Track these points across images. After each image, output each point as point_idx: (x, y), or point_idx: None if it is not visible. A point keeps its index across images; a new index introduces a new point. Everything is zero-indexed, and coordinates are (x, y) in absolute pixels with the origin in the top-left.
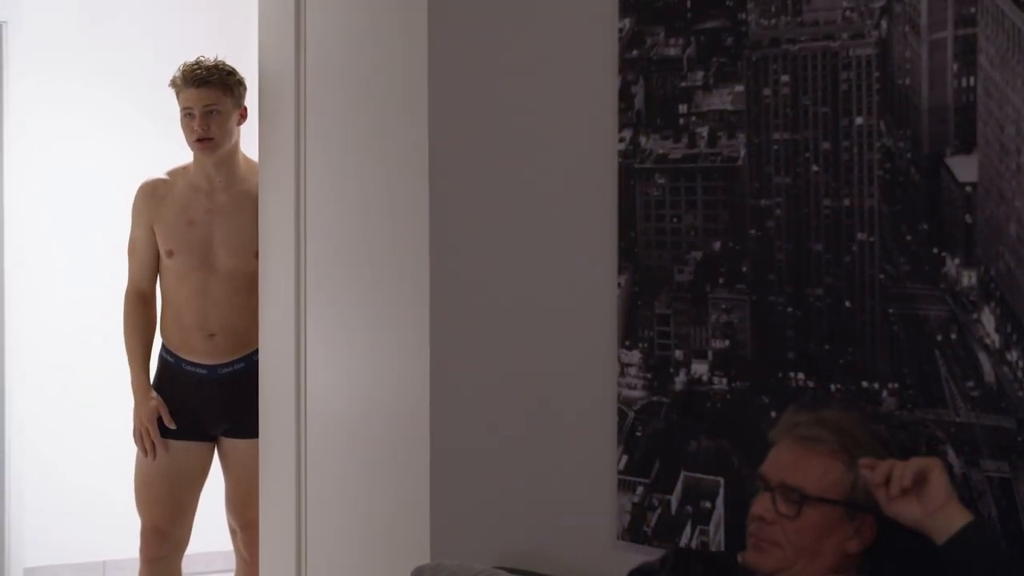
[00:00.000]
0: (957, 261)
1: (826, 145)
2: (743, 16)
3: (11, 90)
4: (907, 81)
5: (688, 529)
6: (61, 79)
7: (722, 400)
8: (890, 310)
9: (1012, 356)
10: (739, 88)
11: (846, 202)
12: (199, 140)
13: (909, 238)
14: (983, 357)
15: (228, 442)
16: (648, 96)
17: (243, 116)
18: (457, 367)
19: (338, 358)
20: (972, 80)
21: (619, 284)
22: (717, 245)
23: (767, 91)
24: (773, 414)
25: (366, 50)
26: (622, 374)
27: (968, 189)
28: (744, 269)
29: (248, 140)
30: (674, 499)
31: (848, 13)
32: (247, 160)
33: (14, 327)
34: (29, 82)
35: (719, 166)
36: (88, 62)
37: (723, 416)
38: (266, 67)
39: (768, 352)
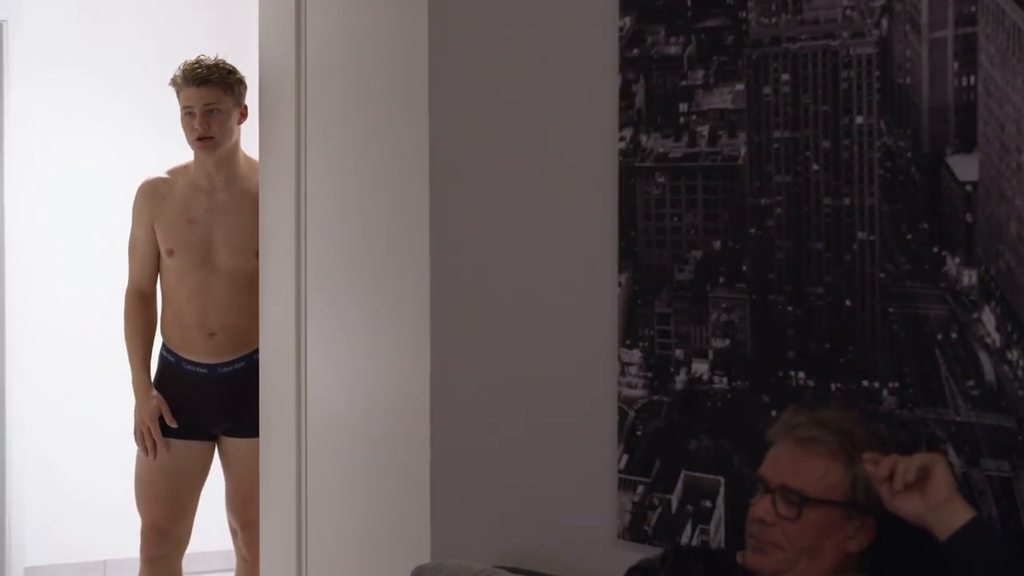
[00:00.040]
0: (957, 260)
1: (826, 144)
2: (743, 15)
3: (11, 90)
4: (907, 80)
5: (688, 528)
6: (61, 79)
7: (722, 399)
8: (890, 309)
9: (1012, 355)
10: (739, 87)
11: (846, 201)
12: (199, 139)
13: (909, 237)
14: (983, 356)
15: (228, 441)
16: (649, 95)
17: (243, 115)
18: (457, 367)
19: (338, 358)
20: (972, 79)
21: (619, 283)
22: (717, 244)
23: (767, 90)
24: (773, 413)
25: (366, 50)
26: (622, 373)
27: (968, 188)
28: (744, 268)
29: (248, 139)
30: (674, 498)
31: (848, 12)
32: (247, 159)
33: (14, 327)
34: (29, 82)
35: (719, 165)
36: (88, 62)
37: (723, 415)
38: (266, 66)
39: (768, 351)
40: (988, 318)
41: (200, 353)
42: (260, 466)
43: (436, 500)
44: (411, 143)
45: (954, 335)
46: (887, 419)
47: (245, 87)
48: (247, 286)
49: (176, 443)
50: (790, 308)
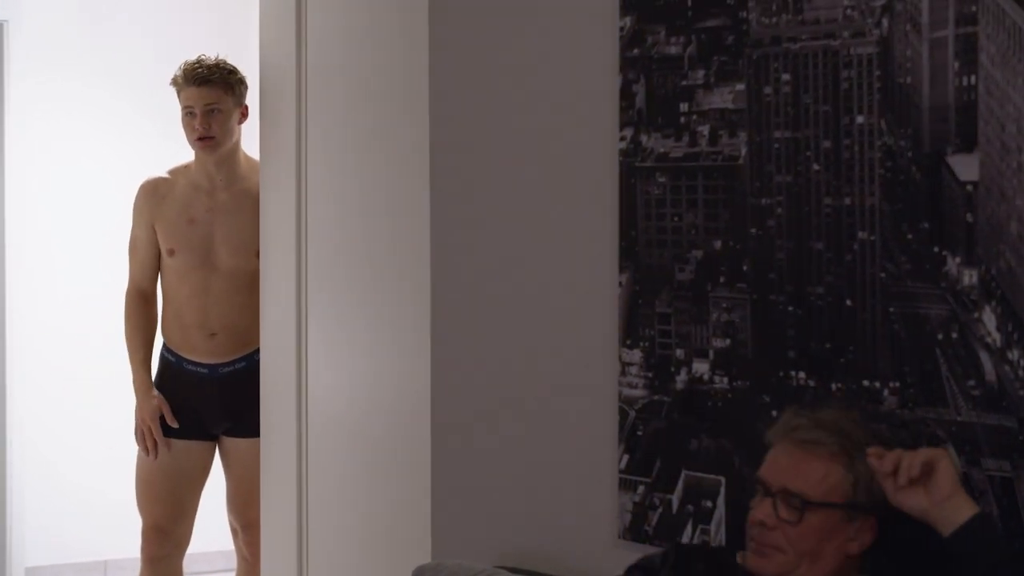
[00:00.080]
0: (958, 260)
1: (827, 144)
2: (744, 15)
3: (11, 90)
4: (908, 80)
5: (689, 528)
6: (61, 79)
7: (723, 399)
8: (891, 309)
9: (1013, 355)
10: (740, 87)
11: (847, 201)
12: (200, 139)
13: (910, 237)
14: (984, 356)
15: (229, 441)
16: (649, 95)
17: (244, 115)
18: (457, 367)
19: (339, 358)
20: (973, 79)
21: (620, 283)
22: (718, 244)
23: (768, 90)
24: (774, 413)
25: (366, 50)
26: (623, 373)
27: (969, 188)
28: (745, 268)
29: (249, 139)
30: (675, 498)
31: (849, 11)
32: (248, 159)
33: (14, 327)
34: (29, 82)
35: (720, 165)
36: (88, 62)
37: (724, 415)
38: (267, 66)
39: (769, 351)
40: (989, 318)
41: (201, 353)
42: (261, 466)
43: (436, 500)
44: (411, 143)
45: (955, 335)
46: (888, 419)
47: (246, 87)
48: (248, 286)
49: (177, 443)
50: (791, 308)
